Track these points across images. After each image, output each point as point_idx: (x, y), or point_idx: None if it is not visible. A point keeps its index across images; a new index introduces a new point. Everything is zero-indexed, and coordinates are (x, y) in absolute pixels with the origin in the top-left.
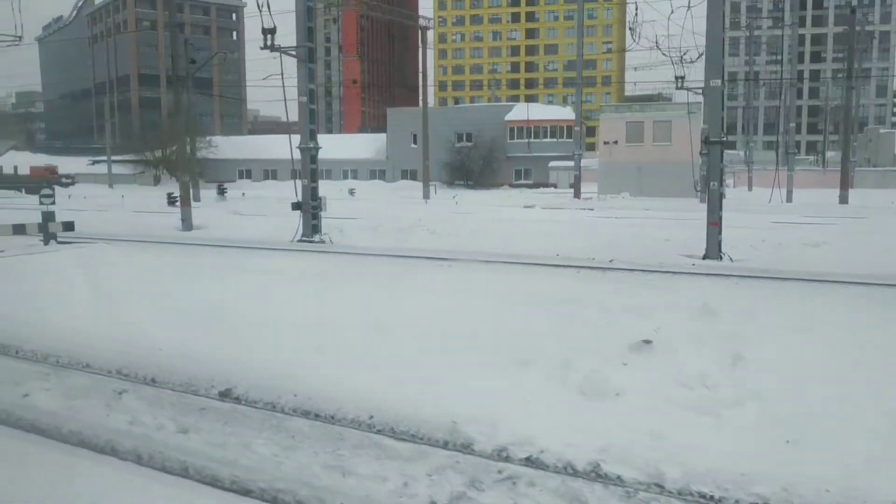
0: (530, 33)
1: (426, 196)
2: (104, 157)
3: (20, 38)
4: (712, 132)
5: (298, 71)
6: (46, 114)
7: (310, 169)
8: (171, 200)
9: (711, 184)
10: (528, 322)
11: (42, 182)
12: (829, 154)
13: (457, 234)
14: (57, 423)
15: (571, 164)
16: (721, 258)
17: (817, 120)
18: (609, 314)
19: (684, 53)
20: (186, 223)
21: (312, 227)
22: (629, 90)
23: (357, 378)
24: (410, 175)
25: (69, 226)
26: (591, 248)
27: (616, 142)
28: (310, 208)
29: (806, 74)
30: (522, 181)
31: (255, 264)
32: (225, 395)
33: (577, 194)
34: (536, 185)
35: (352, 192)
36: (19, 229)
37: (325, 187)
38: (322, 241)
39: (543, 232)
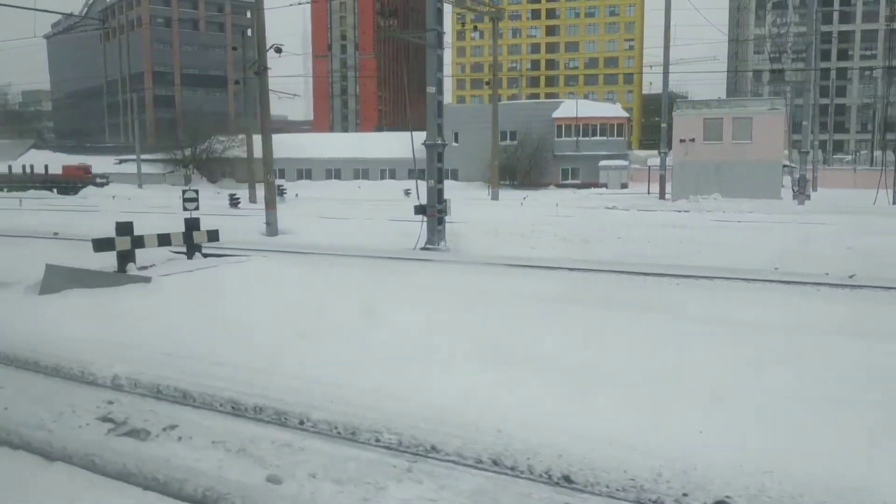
0: (550, 30)
1: (494, 197)
2: (130, 156)
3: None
4: None
5: (427, 58)
6: (55, 112)
7: (436, 168)
8: (234, 202)
9: None
10: None
11: (76, 182)
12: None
13: (590, 241)
14: None
15: (623, 163)
16: None
17: (844, 119)
18: None
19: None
20: (272, 227)
21: (437, 232)
22: (645, 89)
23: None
24: (451, 175)
25: (213, 235)
26: (779, 259)
27: (693, 139)
28: (435, 212)
29: (833, 72)
30: (570, 181)
31: (422, 280)
32: None
33: (662, 195)
34: (585, 185)
35: (407, 192)
36: (164, 240)
37: (368, 187)
38: (447, 249)
39: (686, 238)
